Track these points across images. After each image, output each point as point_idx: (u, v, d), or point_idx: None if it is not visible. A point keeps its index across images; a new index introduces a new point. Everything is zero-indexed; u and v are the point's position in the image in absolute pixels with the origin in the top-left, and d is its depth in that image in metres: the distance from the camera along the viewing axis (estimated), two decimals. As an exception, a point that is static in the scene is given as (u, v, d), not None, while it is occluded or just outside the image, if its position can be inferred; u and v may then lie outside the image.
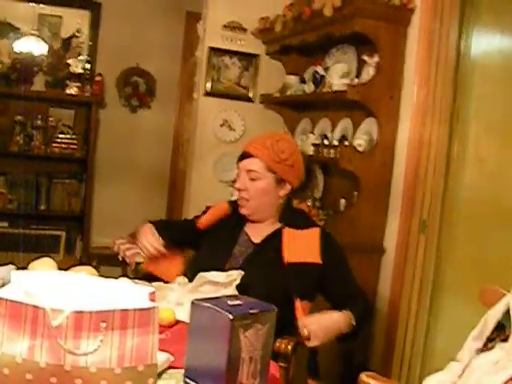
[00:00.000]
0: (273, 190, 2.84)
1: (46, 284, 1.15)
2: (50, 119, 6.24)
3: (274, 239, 2.82)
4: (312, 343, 2.51)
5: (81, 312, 1.09)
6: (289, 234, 2.82)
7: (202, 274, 2.68)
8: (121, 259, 4.18)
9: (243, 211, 2.90)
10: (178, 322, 2.39)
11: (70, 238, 6.41)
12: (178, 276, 2.85)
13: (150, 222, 3.00)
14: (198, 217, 3.14)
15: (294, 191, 2.93)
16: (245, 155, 2.87)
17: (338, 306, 2.70)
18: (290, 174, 2.84)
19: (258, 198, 2.84)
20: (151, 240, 2.87)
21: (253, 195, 2.84)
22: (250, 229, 2.93)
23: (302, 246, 2.78)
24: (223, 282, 2.62)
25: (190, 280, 2.75)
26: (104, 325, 1.10)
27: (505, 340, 1.93)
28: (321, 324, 2.55)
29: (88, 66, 6.29)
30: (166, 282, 2.82)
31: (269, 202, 2.87)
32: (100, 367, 1.10)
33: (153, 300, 1.14)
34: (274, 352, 2.52)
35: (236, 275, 2.66)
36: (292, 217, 2.90)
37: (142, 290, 1.15)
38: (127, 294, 1.15)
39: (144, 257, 2.96)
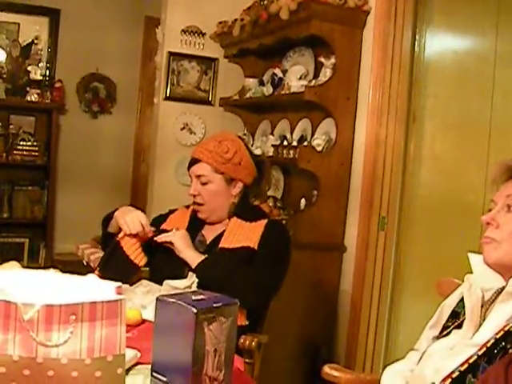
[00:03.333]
0: (224, 190, 2.91)
1: (17, 281, 1.20)
2: (11, 127, 6.22)
3: (223, 234, 2.88)
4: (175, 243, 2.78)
5: (51, 306, 1.14)
6: (234, 223, 2.89)
7: (167, 281, 2.73)
8: (85, 264, 4.18)
9: (200, 215, 2.97)
10: (144, 321, 2.44)
11: (33, 245, 6.39)
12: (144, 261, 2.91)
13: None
14: (161, 216, 3.18)
15: (249, 187, 2.99)
16: (192, 161, 2.95)
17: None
18: (238, 172, 2.91)
19: (211, 201, 2.91)
20: (140, 215, 2.89)
21: (206, 199, 2.91)
22: (206, 230, 2.99)
23: (243, 234, 2.83)
24: (187, 286, 2.68)
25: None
26: (73, 317, 1.14)
27: (459, 326, 2.01)
28: (187, 244, 2.80)
29: (48, 72, 6.28)
30: (135, 266, 2.86)
31: (223, 202, 2.93)
32: (71, 358, 1.15)
33: (120, 293, 1.19)
34: (239, 348, 2.59)
35: (195, 277, 2.73)
36: (244, 211, 2.95)
37: (109, 284, 1.20)
38: (95, 288, 1.20)
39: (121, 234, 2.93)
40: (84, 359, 1.16)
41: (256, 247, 2.78)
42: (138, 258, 2.89)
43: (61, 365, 1.15)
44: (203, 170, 2.89)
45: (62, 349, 1.14)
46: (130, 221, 2.84)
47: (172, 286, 2.68)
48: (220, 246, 2.82)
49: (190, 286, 2.66)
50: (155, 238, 2.86)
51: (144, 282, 2.83)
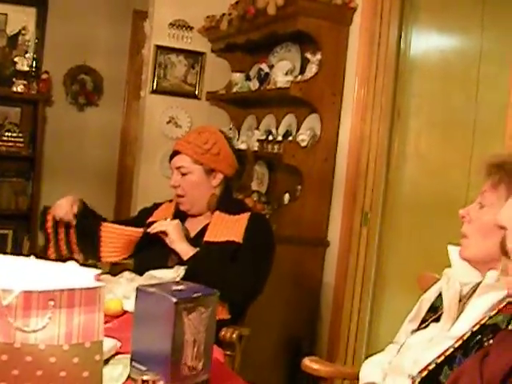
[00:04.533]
0: (204, 181, 2.94)
1: (-4, 267, 1.21)
2: (-4, 117, 6.20)
3: (207, 229, 2.90)
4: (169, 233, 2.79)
5: (30, 292, 1.15)
6: (218, 217, 2.91)
7: (150, 272, 2.75)
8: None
9: (181, 207, 3.00)
10: (125, 312, 2.45)
11: (17, 236, 6.37)
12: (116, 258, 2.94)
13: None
14: (145, 209, 3.20)
15: (231, 180, 3.02)
16: (173, 153, 2.98)
17: None
18: (218, 163, 2.93)
19: (192, 192, 2.94)
20: (64, 203, 2.93)
21: (187, 190, 2.94)
22: (189, 224, 3.01)
23: (227, 228, 2.85)
24: (172, 278, 2.69)
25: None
26: (52, 303, 1.15)
27: (437, 320, 2.04)
28: (181, 235, 2.82)
29: (35, 63, 6.26)
30: (97, 256, 2.89)
31: (203, 193, 2.96)
32: (49, 344, 1.16)
33: (99, 280, 1.20)
34: (220, 341, 2.61)
35: (182, 269, 2.74)
36: (227, 204, 2.97)
37: (88, 272, 1.21)
38: (74, 275, 1.21)
39: None
40: (62, 345, 1.17)
41: (241, 241, 2.81)
42: (107, 252, 2.93)
43: (39, 350, 1.16)
44: (183, 161, 2.92)
45: (40, 334, 1.15)
46: (61, 203, 2.93)
47: (156, 276, 2.69)
48: (205, 239, 2.84)
49: (174, 279, 2.67)
50: (148, 230, 2.88)
51: (126, 273, 2.85)
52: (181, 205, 2.99)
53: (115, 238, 2.91)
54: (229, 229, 2.85)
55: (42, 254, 2.81)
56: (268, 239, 2.94)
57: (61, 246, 2.94)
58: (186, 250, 2.77)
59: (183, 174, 2.93)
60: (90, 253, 2.92)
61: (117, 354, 1.94)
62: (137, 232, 2.91)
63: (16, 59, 6.15)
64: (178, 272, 2.71)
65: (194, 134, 2.99)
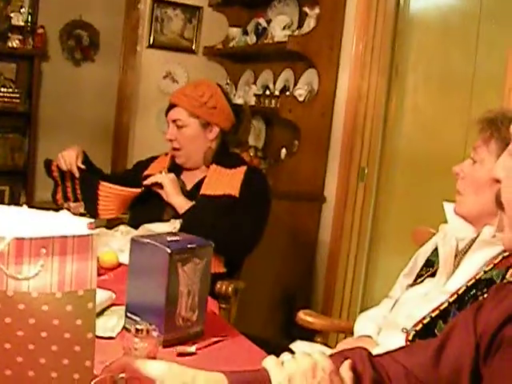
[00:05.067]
0: (201, 134, 2.93)
1: (-12, 215, 1.20)
2: (-8, 73, 6.15)
3: (203, 182, 2.89)
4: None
5: (21, 239, 1.14)
6: (214, 170, 2.91)
7: (145, 225, 2.75)
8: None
9: (178, 161, 2.99)
10: (121, 264, 2.45)
11: (13, 192, 6.36)
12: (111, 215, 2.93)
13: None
14: (141, 162, 3.20)
15: (227, 134, 3.00)
16: (170, 107, 2.96)
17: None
18: (214, 117, 2.92)
19: (188, 145, 2.93)
20: (71, 155, 2.93)
21: (183, 143, 2.93)
22: (185, 177, 3.00)
23: (223, 181, 2.85)
24: (167, 231, 2.68)
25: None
26: (44, 251, 1.15)
27: (433, 275, 2.04)
28: (177, 189, 2.83)
29: (30, 18, 6.19)
30: (93, 211, 2.89)
31: (199, 147, 2.95)
32: (41, 292, 1.15)
33: (92, 228, 1.19)
34: (215, 294, 2.62)
35: (177, 222, 2.74)
36: (224, 158, 2.96)
37: (81, 220, 1.21)
38: (67, 223, 1.21)
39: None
40: (55, 293, 1.16)
41: (237, 194, 2.81)
42: (104, 210, 2.92)
43: (31, 298, 1.15)
44: (179, 114, 2.91)
45: (32, 282, 1.15)
46: (60, 156, 2.94)
47: (151, 230, 2.69)
48: (201, 192, 2.83)
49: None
50: (144, 182, 2.87)
51: (122, 226, 2.85)
52: (177, 158, 2.98)
53: (112, 198, 2.91)
54: (225, 182, 2.84)
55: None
56: (264, 192, 2.93)
57: (68, 192, 2.95)
58: (182, 204, 2.77)
59: (179, 127, 2.91)
60: (89, 207, 2.91)
61: (112, 305, 1.95)
62: (134, 192, 2.91)
63: (11, 14, 6.09)
64: (174, 225, 2.71)
65: (191, 86, 2.97)
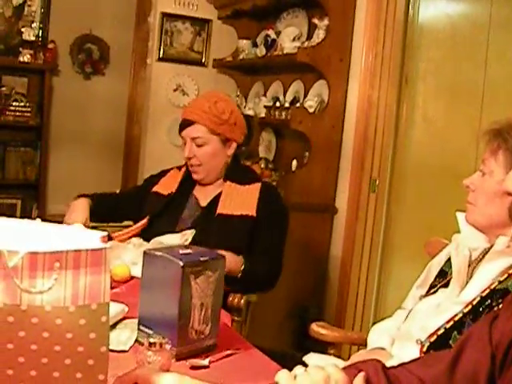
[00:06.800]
0: (220, 151, 2.88)
1: (1, 229, 1.20)
2: (3, 88, 6.18)
3: (219, 198, 2.86)
4: None
5: (35, 253, 1.14)
6: (229, 187, 2.87)
7: (157, 238, 2.74)
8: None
9: (196, 177, 2.94)
10: (133, 277, 2.45)
11: (25, 206, 6.38)
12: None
13: (85, 195, 3.00)
14: (152, 176, 3.18)
15: (240, 146, 2.97)
16: (185, 123, 2.88)
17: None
18: (234, 133, 2.88)
19: (208, 162, 2.88)
20: (75, 217, 2.86)
21: (203, 160, 2.87)
22: (198, 192, 2.97)
23: (239, 200, 2.82)
24: (178, 244, 2.68)
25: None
26: (58, 264, 1.15)
27: (446, 285, 2.03)
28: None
29: (41, 33, 6.23)
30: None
31: (219, 162, 2.91)
32: (55, 306, 1.15)
33: (105, 242, 1.19)
34: (228, 307, 2.61)
35: (189, 234, 2.73)
36: (236, 173, 2.94)
37: (94, 234, 1.21)
38: (80, 236, 1.21)
39: None
40: (68, 307, 1.16)
41: (254, 213, 2.78)
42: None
43: (45, 312, 1.15)
44: (198, 131, 2.83)
45: (46, 296, 1.15)
46: (72, 218, 2.87)
47: (163, 242, 2.68)
48: (218, 211, 2.79)
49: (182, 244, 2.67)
50: None
51: (134, 239, 2.84)
52: (196, 174, 2.92)
53: (126, 238, 2.90)
54: (241, 200, 2.81)
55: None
56: (283, 210, 2.94)
57: None
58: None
59: (198, 145, 2.85)
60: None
61: (124, 318, 1.95)
62: (143, 225, 2.91)
63: (22, 29, 6.13)
64: (186, 237, 2.70)
65: (208, 102, 2.85)
